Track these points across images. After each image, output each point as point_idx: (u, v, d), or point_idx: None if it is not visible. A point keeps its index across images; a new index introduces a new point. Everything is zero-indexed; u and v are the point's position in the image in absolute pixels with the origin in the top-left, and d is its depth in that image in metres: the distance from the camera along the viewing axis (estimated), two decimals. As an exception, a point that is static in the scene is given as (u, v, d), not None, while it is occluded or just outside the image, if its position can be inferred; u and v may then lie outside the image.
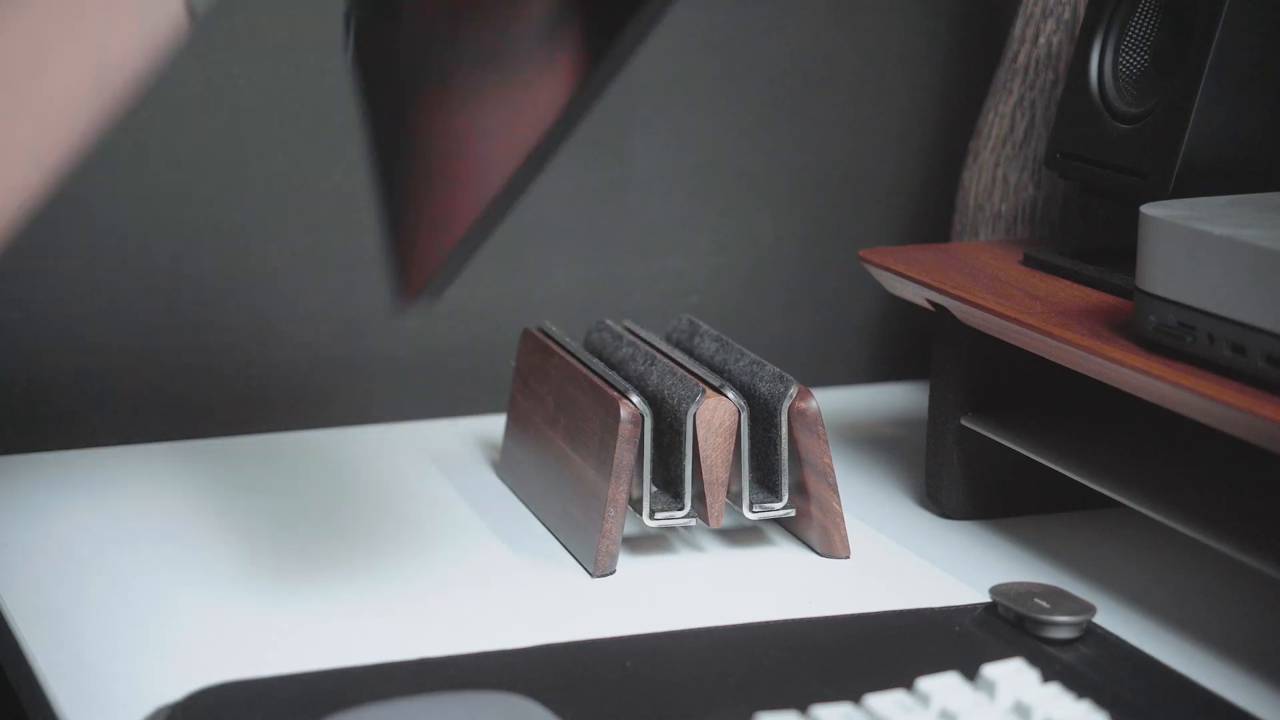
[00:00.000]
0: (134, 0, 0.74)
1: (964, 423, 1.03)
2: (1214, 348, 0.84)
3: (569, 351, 1.02)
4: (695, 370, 0.97)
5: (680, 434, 0.94)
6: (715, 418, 0.94)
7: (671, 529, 0.98)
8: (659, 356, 0.99)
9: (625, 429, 0.92)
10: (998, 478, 1.04)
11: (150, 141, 1.14)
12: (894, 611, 0.88)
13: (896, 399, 1.26)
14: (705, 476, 0.94)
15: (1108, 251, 1.03)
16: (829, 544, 0.97)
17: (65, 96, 0.73)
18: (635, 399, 0.93)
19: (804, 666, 0.81)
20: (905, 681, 0.75)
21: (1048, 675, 0.77)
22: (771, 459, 0.96)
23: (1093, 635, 0.84)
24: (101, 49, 0.73)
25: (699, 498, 0.95)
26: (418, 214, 0.73)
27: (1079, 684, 0.78)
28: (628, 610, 0.90)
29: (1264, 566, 0.84)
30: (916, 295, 1.03)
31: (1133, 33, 1.01)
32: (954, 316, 1.01)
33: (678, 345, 1.05)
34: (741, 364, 0.99)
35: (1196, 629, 0.90)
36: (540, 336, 1.05)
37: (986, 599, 0.87)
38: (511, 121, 0.71)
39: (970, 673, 0.76)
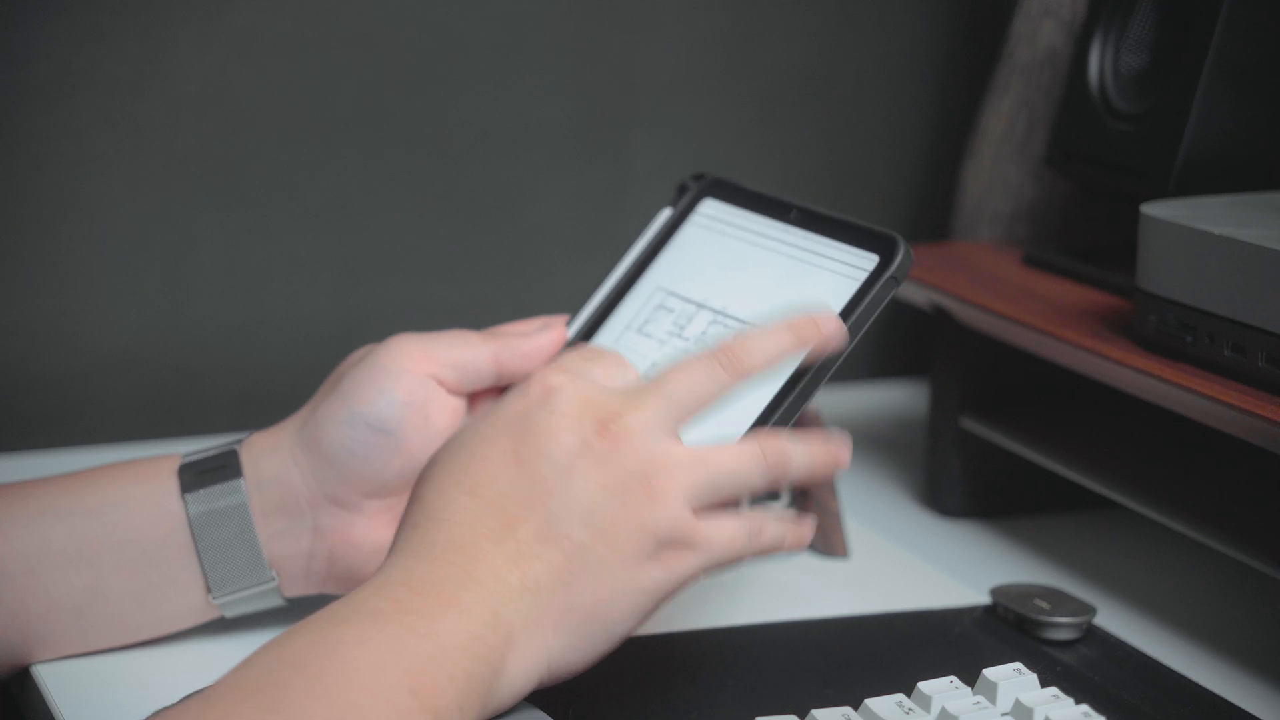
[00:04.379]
0: None
1: (964, 423, 1.03)
2: (1214, 348, 0.84)
3: None
4: None
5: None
6: None
7: None
8: None
9: None
10: (998, 478, 1.04)
11: (150, 141, 1.14)
12: (894, 613, 0.88)
13: (896, 399, 1.26)
14: None
15: (1108, 251, 1.03)
16: (828, 544, 0.96)
17: None
18: None
19: (803, 669, 0.81)
20: (905, 684, 0.75)
21: (1048, 677, 0.77)
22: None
23: (1093, 636, 0.84)
24: None
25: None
26: None
27: (1079, 685, 0.78)
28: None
29: (1264, 566, 0.84)
30: (916, 295, 1.03)
31: (1133, 32, 1.00)
32: (954, 316, 1.01)
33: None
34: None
35: (1196, 629, 0.90)
36: None
37: (986, 599, 0.87)
38: None
39: (970, 675, 0.76)
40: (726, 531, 0.74)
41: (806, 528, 0.77)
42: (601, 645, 0.72)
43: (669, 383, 0.74)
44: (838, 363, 0.78)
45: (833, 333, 0.76)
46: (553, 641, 0.71)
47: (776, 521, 0.76)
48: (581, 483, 0.72)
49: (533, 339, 0.86)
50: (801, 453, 0.76)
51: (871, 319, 0.79)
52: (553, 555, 0.71)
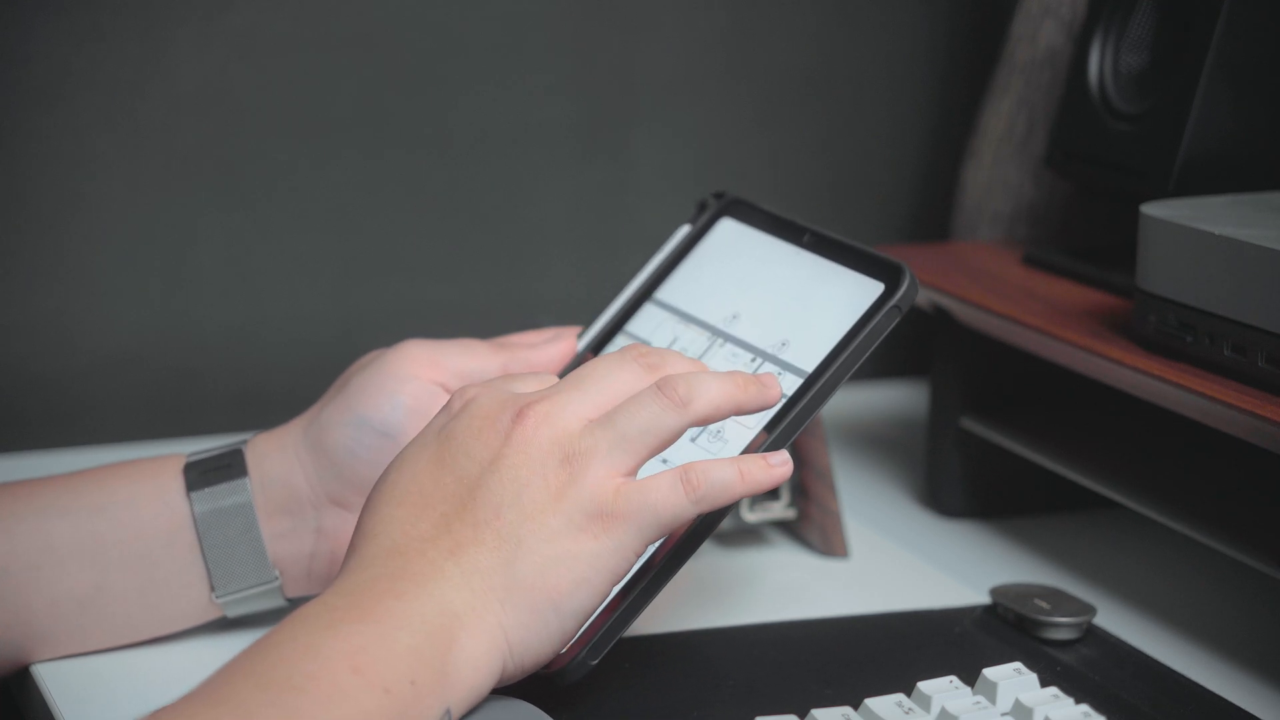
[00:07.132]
0: None
1: (964, 423, 1.03)
2: (1214, 348, 0.84)
3: None
4: None
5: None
6: None
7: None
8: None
9: None
10: (998, 478, 1.04)
11: (150, 141, 1.14)
12: (894, 613, 0.88)
13: (896, 399, 1.26)
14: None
15: (1108, 251, 1.03)
16: (828, 544, 0.96)
17: None
18: None
19: (803, 668, 0.81)
20: (905, 683, 0.75)
21: (1048, 677, 0.77)
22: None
23: (1093, 636, 0.84)
24: None
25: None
26: None
27: (1079, 685, 0.78)
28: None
29: (1264, 566, 0.84)
30: (917, 295, 1.03)
31: (1133, 32, 1.00)
32: (954, 316, 1.01)
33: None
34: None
35: (1196, 629, 0.90)
36: None
37: (986, 599, 0.87)
38: None
39: (970, 675, 0.76)
40: (658, 491, 0.73)
41: (763, 464, 0.75)
42: (555, 623, 0.72)
43: (585, 377, 0.75)
44: (834, 390, 0.79)
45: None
46: (505, 619, 0.71)
47: (718, 464, 0.74)
48: (505, 470, 0.72)
49: (542, 350, 0.86)
50: (710, 382, 0.75)
51: (873, 347, 0.79)
52: (488, 539, 0.72)
